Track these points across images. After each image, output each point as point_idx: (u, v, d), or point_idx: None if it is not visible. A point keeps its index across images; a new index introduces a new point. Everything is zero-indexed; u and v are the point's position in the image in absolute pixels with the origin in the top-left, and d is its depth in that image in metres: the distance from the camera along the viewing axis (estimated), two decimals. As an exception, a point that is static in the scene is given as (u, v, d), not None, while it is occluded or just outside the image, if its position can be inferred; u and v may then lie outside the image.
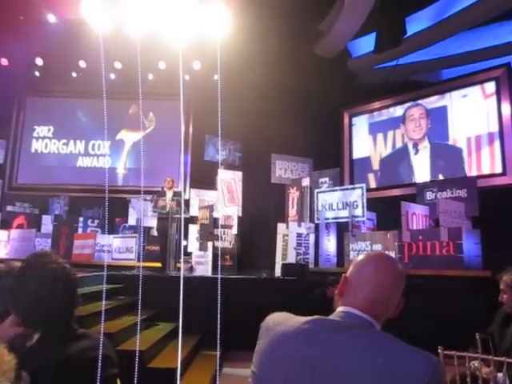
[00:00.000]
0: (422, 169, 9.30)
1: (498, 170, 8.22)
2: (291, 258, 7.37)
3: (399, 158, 9.71)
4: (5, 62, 10.41)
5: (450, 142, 8.99)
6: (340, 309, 1.11)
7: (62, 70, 10.79)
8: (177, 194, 7.23)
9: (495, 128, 8.33)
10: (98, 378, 1.24)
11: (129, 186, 10.78)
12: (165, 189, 7.37)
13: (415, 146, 9.48)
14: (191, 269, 7.34)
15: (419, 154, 9.38)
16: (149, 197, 7.64)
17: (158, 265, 7.25)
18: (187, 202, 7.73)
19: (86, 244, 8.92)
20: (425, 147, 9.33)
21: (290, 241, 7.54)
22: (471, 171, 8.55)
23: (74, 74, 10.96)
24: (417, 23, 8.75)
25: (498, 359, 2.33)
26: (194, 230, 8.44)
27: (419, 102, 9.60)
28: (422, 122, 9.47)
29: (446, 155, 8.98)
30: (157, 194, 7.29)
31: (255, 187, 9.51)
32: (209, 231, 7.54)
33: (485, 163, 8.45)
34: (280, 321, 1.12)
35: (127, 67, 10.04)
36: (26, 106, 11.91)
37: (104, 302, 2.91)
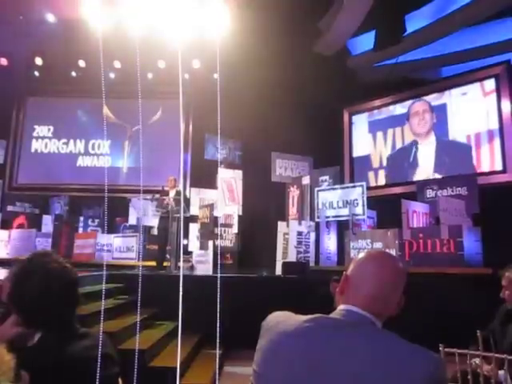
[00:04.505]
0: (425, 165, 9.22)
1: (498, 167, 8.22)
2: (292, 257, 7.38)
3: (405, 155, 9.65)
4: (4, 61, 10.40)
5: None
6: (341, 307, 1.11)
7: (62, 70, 10.79)
8: (180, 193, 7.23)
9: (495, 125, 8.32)
10: (100, 377, 1.23)
11: (129, 186, 10.77)
12: (166, 188, 7.36)
13: (418, 142, 9.43)
14: (192, 268, 7.34)
15: (424, 150, 9.31)
16: (149, 196, 7.64)
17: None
18: (188, 201, 7.73)
19: (87, 243, 8.93)
20: (430, 143, 9.25)
21: (290, 239, 7.55)
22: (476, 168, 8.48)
23: (74, 74, 10.96)
24: (416, 21, 8.73)
25: (500, 356, 2.33)
26: (194, 228, 8.45)
27: (422, 98, 9.54)
28: (427, 116, 9.43)
29: (452, 152, 8.87)
30: (161, 193, 7.28)
31: (255, 186, 9.51)
32: (209, 230, 7.54)
33: (485, 161, 8.45)
34: (281, 319, 1.12)
35: (127, 66, 10.03)
36: (25, 106, 11.92)
37: (104, 302, 2.91)
